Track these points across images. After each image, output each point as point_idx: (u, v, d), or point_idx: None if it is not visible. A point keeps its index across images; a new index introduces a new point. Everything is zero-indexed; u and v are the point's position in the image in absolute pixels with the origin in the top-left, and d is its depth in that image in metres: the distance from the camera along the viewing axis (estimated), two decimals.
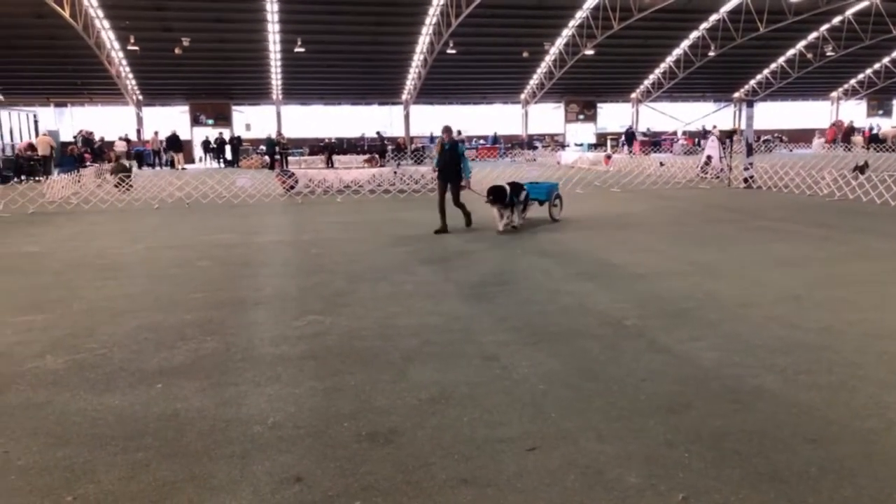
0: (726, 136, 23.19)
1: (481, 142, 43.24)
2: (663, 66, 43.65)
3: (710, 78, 44.62)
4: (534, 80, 43.81)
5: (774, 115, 47.53)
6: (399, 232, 11.88)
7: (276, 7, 32.38)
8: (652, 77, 45.18)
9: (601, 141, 43.55)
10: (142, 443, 3.86)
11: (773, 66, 45.08)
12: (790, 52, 43.27)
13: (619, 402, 4.31)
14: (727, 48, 38.35)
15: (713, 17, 37.40)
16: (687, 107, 47.50)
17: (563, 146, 42.80)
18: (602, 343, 5.48)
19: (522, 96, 45.74)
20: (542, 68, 42.13)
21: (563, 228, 11.96)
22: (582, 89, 45.11)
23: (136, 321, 6.32)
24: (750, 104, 21.48)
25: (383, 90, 42.55)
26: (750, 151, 19.15)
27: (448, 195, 11.69)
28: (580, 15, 35.67)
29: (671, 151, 37.22)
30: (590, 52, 36.62)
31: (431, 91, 42.23)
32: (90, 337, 5.85)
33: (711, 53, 39.31)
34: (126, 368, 5.08)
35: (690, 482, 3.35)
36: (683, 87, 44.61)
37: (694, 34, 39.51)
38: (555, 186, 13.31)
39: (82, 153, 31.76)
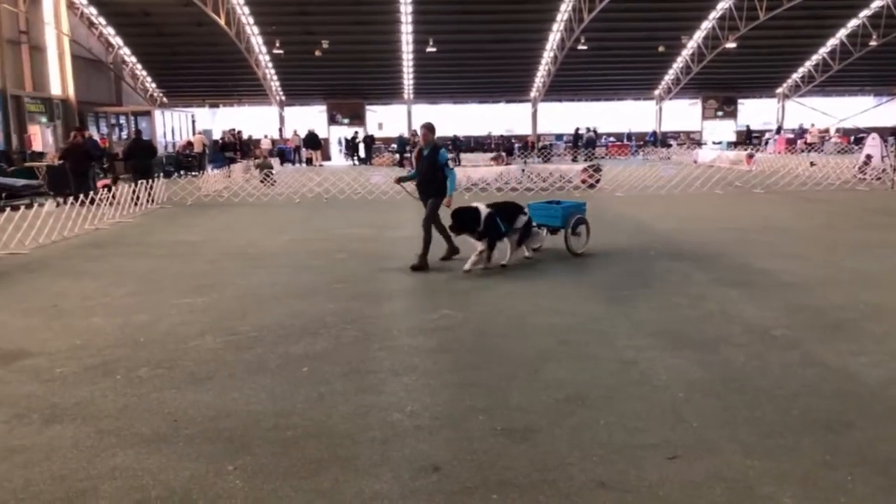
0: (889, 134, 21.08)
1: (611, 139, 42.10)
2: (815, 57, 40.37)
3: (871, 70, 40.67)
4: (669, 76, 42.04)
5: None
6: None
7: (409, 8, 33.30)
8: (801, 70, 41.93)
9: (742, 139, 41.00)
10: (290, 421, 4.11)
11: None
12: None
13: (768, 417, 4.05)
14: (892, 37, 34.85)
15: (875, 4, 34.11)
16: (842, 102, 43.61)
17: (699, 144, 40.76)
18: (748, 353, 5.17)
19: (656, 92, 44.02)
20: (679, 63, 40.33)
21: (699, 230, 11.39)
22: (721, 84, 42.65)
23: (283, 308, 6.73)
24: None
25: (511, 88, 42.50)
26: None
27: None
28: (722, 6, 33.78)
29: (810, 149, 34.32)
30: (731, 44, 34.59)
31: (560, 88, 41.65)
32: (242, 320, 6.31)
33: (873, 43, 35.86)
34: (275, 351, 5.42)
35: None
36: (838, 80, 41.00)
37: (853, 22, 36.23)
38: (579, 208, 9.60)
39: (234, 150, 34.25)
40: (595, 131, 38.52)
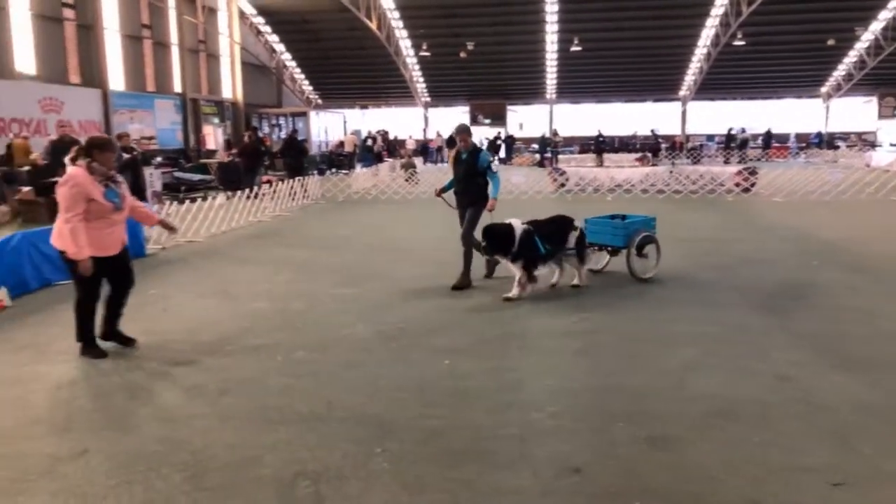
0: None
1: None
2: None
3: None
4: (839, 72, 38.51)
5: None
6: (676, 234, 11.34)
7: (555, 8, 33.03)
8: None
9: None
10: (435, 411, 4.27)
11: None
12: None
13: None
14: None
15: None
16: None
17: (873, 146, 36.95)
18: None
19: (823, 90, 40.53)
20: (851, 57, 36.83)
21: (871, 240, 10.36)
22: None
23: (428, 302, 6.97)
24: None
25: (659, 86, 40.92)
26: None
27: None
28: None
29: None
30: None
31: (713, 86, 39.52)
32: (390, 311, 6.61)
33: None
34: (419, 343, 5.64)
35: None
36: None
37: None
38: (647, 224, 8.05)
39: (380, 150, 35.78)
40: (741, 130, 35.99)
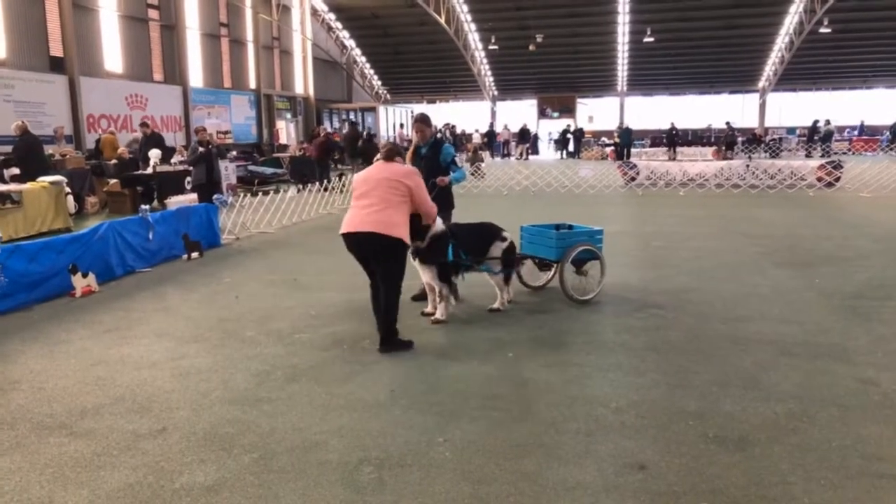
0: None
1: (855, 133, 37.21)
2: None
3: None
4: None
5: None
6: (750, 230, 10.96)
7: None
8: None
9: None
10: (497, 404, 4.26)
11: None
12: None
13: None
14: None
15: None
16: None
17: None
18: None
19: None
20: None
21: None
22: None
23: (491, 296, 6.95)
24: None
25: (735, 77, 39.44)
26: None
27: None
28: None
29: None
30: None
31: (795, 76, 37.77)
32: (454, 304, 6.61)
33: None
34: (484, 335, 5.64)
35: None
36: None
37: None
38: (592, 237, 6.83)
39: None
40: (828, 122, 34.15)
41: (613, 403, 4.22)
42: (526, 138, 37.22)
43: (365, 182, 5.39)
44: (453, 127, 39.85)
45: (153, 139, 14.91)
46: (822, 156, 28.71)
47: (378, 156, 5.60)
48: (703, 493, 3.19)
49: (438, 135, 33.44)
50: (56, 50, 20.56)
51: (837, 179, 17.50)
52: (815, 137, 33.38)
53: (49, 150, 15.29)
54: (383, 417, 4.08)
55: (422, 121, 6.60)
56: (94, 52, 22.10)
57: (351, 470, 3.46)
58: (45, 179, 11.51)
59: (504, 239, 6.46)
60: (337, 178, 16.02)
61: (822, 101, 38.46)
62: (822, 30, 31.57)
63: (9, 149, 13.97)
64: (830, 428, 3.82)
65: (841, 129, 35.51)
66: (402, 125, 38.57)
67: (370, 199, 5.23)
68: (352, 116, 37.78)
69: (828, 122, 33.74)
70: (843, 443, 3.65)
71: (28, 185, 11.24)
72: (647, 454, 3.57)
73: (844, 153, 31.20)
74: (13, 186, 11.22)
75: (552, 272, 6.98)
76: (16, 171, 12.42)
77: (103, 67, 22.58)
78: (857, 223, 11.60)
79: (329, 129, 26.21)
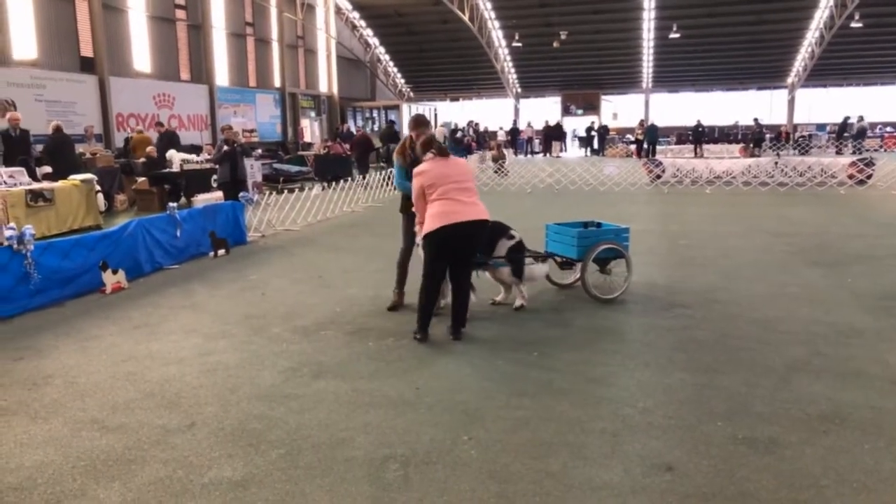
0: None
1: (888, 129, 36.40)
2: None
3: None
4: None
5: None
6: (780, 229, 10.79)
7: None
8: None
9: None
10: (522, 402, 4.25)
11: None
12: None
13: None
14: None
15: None
16: None
17: None
18: None
19: None
20: None
21: None
22: None
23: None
24: None
25: (763, 73, 38.80)
26: None
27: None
28: None
29: None
30: None
31: (826, 72, 37.05)
32: (475, 303, 6.60)
33: None
34: (507, 334, 5.63)
35: None
36: None
37: None
38: (618, 235, 6.78)
39: (470, 142, 35.89)
40: (861, 118, 33.43)
41: (640, 403, 4.19)
42: (559, 136, 36.91)
43: (446, 176, 5.41)
44: (477, 125, 39.78)
45: (166, 137, 15.23)
46: (853, 153, 28.14)
47: (430, 152, 5.54)
48: (732, 496, 3.15)
49: (459, 133, 33.62)
50: (86, 50, 20.91)
51: (869, 177, 17.14)
52: (846, 134, 32.70)
53: (79, 148, 15.58)
54: (408, 415, 4.09)
55: (425, 124, 6.19)
56: (123, 52, 22.43)
57: (377, 467, 3.47)
58: (77, 178, 11.73)
59: (511, 237, 6.40)
60: (361, 177, 16.08)
61: (852, 97, 37.66)
62: (853, 24, 30.91)
63: (41, 147, 14.25)
64: (863, 430, 3.75)
65: (873, 126, 34.75)
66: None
67: (469, 191, 5.46)
68: (374, 114, 37.91)
69: (861, 119, 33.04)
70: (876, 445, 3.58)
71: (60, 184, 11.46)
72: (674, 455, 3.54)
73: (876, 150, 30.54)
74: (46, 185, 11.45)
75: (576, 271, 6.91)
76: (48, 169, 12.68)
77: (132, 67, 22.91)
78: (890, 221, 11.36)
79: (353, 129, 26.44)
